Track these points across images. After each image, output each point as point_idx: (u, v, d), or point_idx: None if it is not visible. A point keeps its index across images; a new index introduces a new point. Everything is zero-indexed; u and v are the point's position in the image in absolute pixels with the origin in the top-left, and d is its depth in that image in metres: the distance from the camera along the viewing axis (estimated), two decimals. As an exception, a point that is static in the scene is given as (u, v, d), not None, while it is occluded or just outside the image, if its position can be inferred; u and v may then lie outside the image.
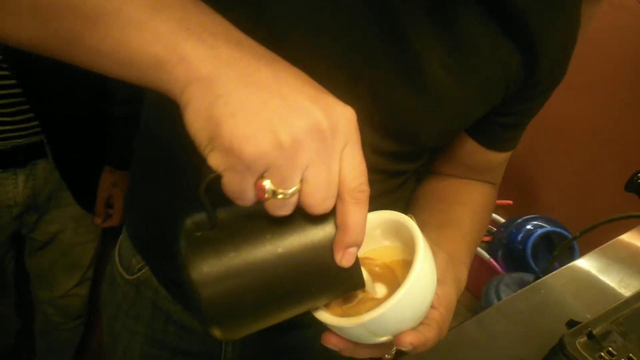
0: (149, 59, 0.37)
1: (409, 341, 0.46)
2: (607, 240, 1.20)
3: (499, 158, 0.74)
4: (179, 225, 0.42)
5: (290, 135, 0.34)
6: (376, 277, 0.50)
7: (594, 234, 1.13)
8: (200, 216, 0.41)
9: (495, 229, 2.45)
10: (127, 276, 0.80)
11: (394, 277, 0.50)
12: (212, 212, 0.40)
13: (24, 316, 1.64)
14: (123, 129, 1.38)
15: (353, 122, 0.38)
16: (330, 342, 0.48)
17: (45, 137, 1.30)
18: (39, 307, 1.61)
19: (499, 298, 1.94)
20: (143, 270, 0.78)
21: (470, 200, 0.74)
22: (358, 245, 0.41)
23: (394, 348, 0.50)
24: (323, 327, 0.79)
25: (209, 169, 0.36)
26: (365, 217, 0.40)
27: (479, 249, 2.36)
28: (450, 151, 0.74)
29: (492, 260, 2.33)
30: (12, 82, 1.18)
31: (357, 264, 0.42)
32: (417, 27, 0.53)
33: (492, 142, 0.71)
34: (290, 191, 0.36)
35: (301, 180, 0.37)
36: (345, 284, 0.44)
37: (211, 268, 0.39)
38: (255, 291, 0.40)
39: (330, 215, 0.40)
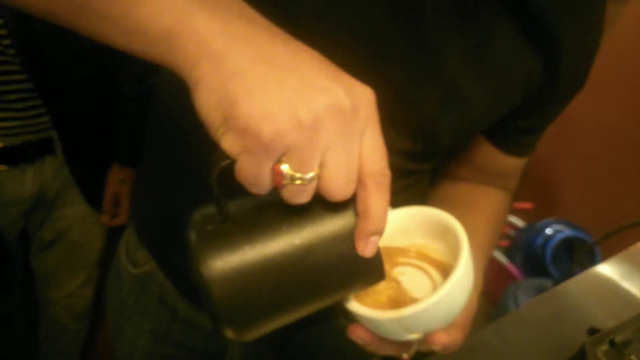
0: (159, 29, 0.35)
1: (442, 341, 0.46)
2: (630, 245, 1.18)
3: (515, 163, 0.73)
4: (186, 219, 0.40)
5: (310, 114, 0.33)
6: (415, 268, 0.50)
7: (615, 239, 1.11)
8: (210, 209, 0.39)
9: (514, 233, 2.42)
10: (132, 270, 0.80)
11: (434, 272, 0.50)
12: (224, 204, 0.38)
13: (29, 317, 1.66)
14: (132, 126, 1.39)
15: (373, 103, 0.37)
16: (357, 334, 0.47)
17: (56, 133, 1.32)
18: (44, 308, 1.62)
19: (516, 304, 1.93)
20: (149, 264, 0.77)
21: (485, 206, 0.73)
22: (380, 234, 0.39)
23: (413, 347, 0.50)
24: (330, 325, 0.78)
25: (222, 155, 0.34)
26: (388, 203, 0.38)
27: (497, 253, 2.34)
28: (466, 154, 0.74)
29: (510, 265, 2.30)
30: (22, 77, 1.19)
31: (378, 254, 0.40)
32: (440, 26, 0.52)
33: (509, 146, 0.70)
34: (308, 176, 0.35)
35: (320, 165, 0.35)
36: (367, 276, 0.42)
37: (225, 264, 0.37)
38: (272, 287, 0.38)
39: (349, 203, 0.38)
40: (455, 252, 0.46)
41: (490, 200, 0.75)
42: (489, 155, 0.71)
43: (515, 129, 0.67)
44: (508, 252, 2.38)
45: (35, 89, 1.21)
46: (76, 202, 1.43)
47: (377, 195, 0.37)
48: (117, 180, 1.45)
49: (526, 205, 2.46)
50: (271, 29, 0.37)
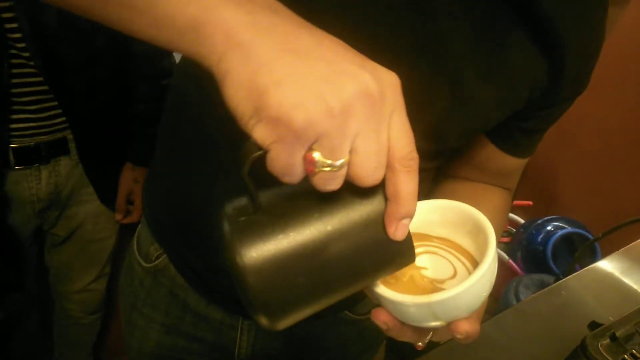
0: (185, 19, 0.35)
1: (465, 329, 0.46)
2: (630, 242, 1.18)
3: (515, 164, 0.73)
4: (218, 212, 0.39)
5: (340, 100, 0.33)
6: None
7: (616, 235, 1.11)
8: (241, 201, 0.39)
9: (514, 230, 2.42)
10: (144, 264, 0.80)
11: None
12: (256, 195, 0.38)
13: (44, 312, 1.67)
14: (145, 125, 1.40)
15: (398, 87, 0.37)
16: (380, 318, 0.47)
17: (71, 134, 1.32)
18: (57, 302, 1.64)
19: (518, 300, 1.92)
20: (161, 259, 0.78)
21: (487, 204, 0.72)
22: (411, 217, 0.39)
23: (429, 337, 0.51)
24: (335, 318, 0.80)
25: (252, 147, 0.34)
26: (417, 186, 0.38)
27: (498, 250, 2.33)
28: (468, 154, 0.74)
29: (511, 261, 2.30)
30: (37, 79, 1.20)
31: (409, 237, 0.41)
32: (451, 28, 0.53)
33: (510, 147, 0.71)
34: (339, 162, 0.34)
35: (350, 151, 0.35)
36: (398, 259, 0.43)
37: (260, 253, 0.37)
38: (305, 274, 0.38)
39: (378, 187, 0.38)
40: (476, 240, 0.47)
41: (492, 199, 0.75)
42: (490, 155, 0.71)
43: (517, 129, 0.68)
44: (509, 249, 2.38)
45: (49, 90, 1.22)
46: (90, 200, 1.44)
47: (406, 178, 0.37)
48: (130, 179, 1.46)
49: (527, 202, 2.46)
50: (295, 19, 0.37)
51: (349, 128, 0.33)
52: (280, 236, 0.37)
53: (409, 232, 0.40)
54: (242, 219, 0.38)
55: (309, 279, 0.38)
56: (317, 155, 0.34)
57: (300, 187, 0.37)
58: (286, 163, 0.34)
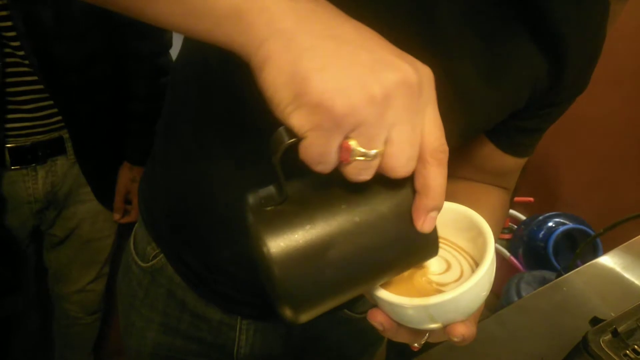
0: (226, 8, 0.35)
1: (461, 332, 0.46)
2: (631, 237, 1.18)
3: (515, 163, 0.73)
4: (243, 204, 0.39)
5: (382, 88, 0.32)
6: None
7: (617, 231, 1.11)
8: (266, 191, 0.39)
9: (515, 227, 2.42)
10: (142, 264, 0.80)
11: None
12: (284, 185, 0.38)
13: (44, 312, 1.67)
14: (142, 125, 1.40)
15: (433, 81, 0.37)
16: (377, 319, 0.47)
17: (68, 133, 1.32)
18: (56, 303, 1.64)
19: (519, 296, 1.92)
20: (158, 258, 0.78)
21: (486, 202, 0.73)
22: (439, 210, 0.39)
23: (425, 338, 0.51)
24: (335, 317, 0.80)
25: (285, 134, 0.34)
26: (446, 179, 0.38)
27: (500, 247, 2.33)
28: (467, 154, 0.74)
29: (512, 258, 2.31)
30: (32, 78, 1.19)
31: (435, 230, 0.40)
32: (453, 28, 0.53)
33: (510, 146, 0.71)
34: (374, 152, 0.34)
35: (385, 142, 0.34)
36: (423, 251, 0.42)
37: (288, 243, 0.36)
38: (332, 265, 0.38)
39: (407, 180, 0.38)
40: (475, 243, 0.47)
41: (490, 198, 0.75)
42: (489, 154, 0.71)
43: (516, 129, 0.68)
44: (510, 246, 2.38)
45: (45, 89, 1.21)
46: (87, 199, 1.44)
47: (436, 171, 0.37)
48: (128, 179, 1.45)
49: (528, 199, 2.46)
50: (334, 7, 0.37)
51: (387, 117, 0.33)
52: (308, 226, 0.37)
53: (435, 225, 0.40)
54: (269, 208, 0.38)
55: (335, 271, 0.38)
56: (353, 143, 0.33)
57: (328, 177, 0.36)
58: (322, 151, 0.33)
